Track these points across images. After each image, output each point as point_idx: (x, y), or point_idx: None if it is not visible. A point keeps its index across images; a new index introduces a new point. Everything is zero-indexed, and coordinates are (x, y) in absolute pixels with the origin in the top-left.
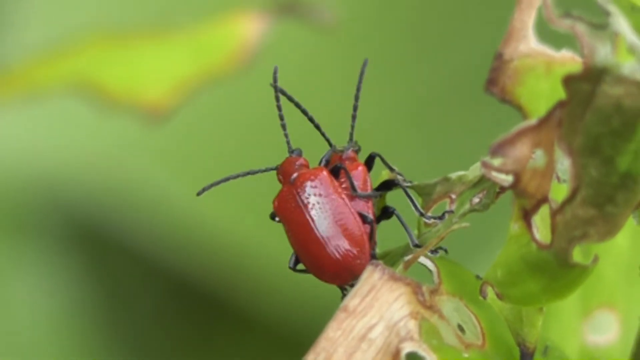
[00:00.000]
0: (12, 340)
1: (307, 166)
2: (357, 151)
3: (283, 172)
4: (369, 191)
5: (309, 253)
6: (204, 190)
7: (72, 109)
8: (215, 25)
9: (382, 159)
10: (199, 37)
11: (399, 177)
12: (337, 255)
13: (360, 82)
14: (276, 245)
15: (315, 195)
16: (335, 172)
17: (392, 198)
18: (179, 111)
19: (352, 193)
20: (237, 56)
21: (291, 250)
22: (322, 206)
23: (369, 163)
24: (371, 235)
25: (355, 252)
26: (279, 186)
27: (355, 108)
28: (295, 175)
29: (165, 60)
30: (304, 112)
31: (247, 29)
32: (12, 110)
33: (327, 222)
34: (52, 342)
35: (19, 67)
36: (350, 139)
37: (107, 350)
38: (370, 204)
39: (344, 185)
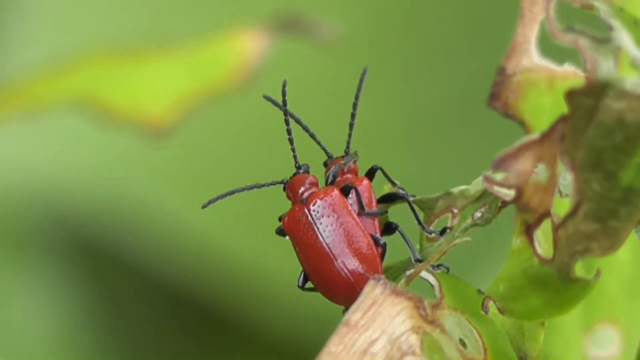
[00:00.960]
0: (11, 354)
1: (316, 184)
2: (355, 162)
3: (292, 189)
4: (374, 206)
5: (321, 274)
6: (209, 202)
7: (73, 125)
8: (216, 42)
9: (384, 173)
10: (199, 54)
11: (400, 191)
12: (352, 279)
13: (359, 90)
14: (277, 260)
15: (328, 216)
16: (343, 189)
17: (393, 211)
18: (180, 127)
19: (360, 211)
20: (238, 73)
21: (296, 266)
22: (335, 228)
23: (370, 176)
24: (382, 257)
25: (369, 276)
26: (279, 202)
27: (353, 116)
28: (306, 194)
29: (166, 77)
30: (298, 121)
31: (248, 46)
32: (14, 126)
33: (341, 244)
34: (51, 355)
35: (20, 83)
36: (347, 147)
37: None
38: (376, 221)
39: (350, 202)
